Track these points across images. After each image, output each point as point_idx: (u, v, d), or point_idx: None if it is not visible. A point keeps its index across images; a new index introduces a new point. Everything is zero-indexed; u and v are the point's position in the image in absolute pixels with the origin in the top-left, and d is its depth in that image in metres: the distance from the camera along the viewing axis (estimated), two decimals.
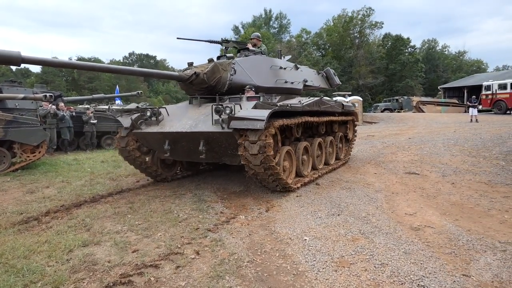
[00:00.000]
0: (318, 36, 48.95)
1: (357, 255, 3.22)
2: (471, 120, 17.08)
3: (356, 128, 9.21)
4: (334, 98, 10.28)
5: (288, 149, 5.68)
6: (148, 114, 5.81)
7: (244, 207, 4.88)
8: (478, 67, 64.10)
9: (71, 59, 59.80)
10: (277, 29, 56.95)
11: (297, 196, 5.29)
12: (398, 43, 48.12)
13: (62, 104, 11.58)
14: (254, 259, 3.20)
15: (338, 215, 4.38)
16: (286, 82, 6.71)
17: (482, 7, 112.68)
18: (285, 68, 6.89)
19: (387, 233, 3.73)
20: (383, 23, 45.31)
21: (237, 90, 6.05)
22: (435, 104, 32.73)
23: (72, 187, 6.38)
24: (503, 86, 21.59)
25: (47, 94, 9.15)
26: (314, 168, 6.64)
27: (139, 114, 5.91)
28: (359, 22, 44.85)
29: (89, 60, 63.83)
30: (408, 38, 49.18)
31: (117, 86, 25.15)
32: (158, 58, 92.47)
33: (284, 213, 4.54)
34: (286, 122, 5.23)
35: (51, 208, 4.94)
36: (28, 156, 8.12)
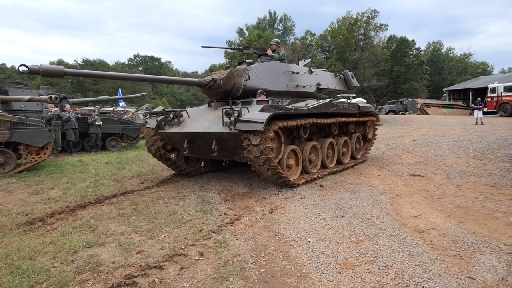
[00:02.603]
0: (322, 38, 48.95)
1: (361, 257, 3.21)
2: (476, 122, 16.97)
3: (376, 128, 9.40)
4: (339, 100, 10.28)
5: (293, 148, 6.06)
6: (171, 116, 6.49)
7: (248, 208, 4.88)
8: (483, 69, 63.72)
9: (75, 61, 60.02)
10: (281, 31, 57.03)
11: (301, 198, 5.28)
12: (403, 45, 48.03)
13: (68, 106, 11.66)
14: (258, 261, 3.20)
15: (342, 217, 4.37)
16: (297, 86, 7.14)
17: (488, 9, 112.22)
18: (297, 73, 7.26)
19: (392, 235, 3.71)
20: (387, 25, 45.26)
21: (251, 94, 6.53)
22: (440, 107, 32.51)
23: (77, 188, 6.41)
24: (508, 89, 21.45)
25: (53, 96, 9.24)
26: (324, 166, 6.98)
27: (163, 116, 6.55)
28: (364, 24, 44.82)
29: (94, 62, 64.36)
30: (413, 40, 49.12)
31: (120, 89, 25.23)
32: (162, 60, 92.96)
33: (288, 214, 4.54)
34: (289, 124, 5.60)
35: (56, 209, 4.97)
36: (33, 158, 8.18)
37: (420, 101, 32.17)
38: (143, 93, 15.63)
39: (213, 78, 6.37)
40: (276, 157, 5.53)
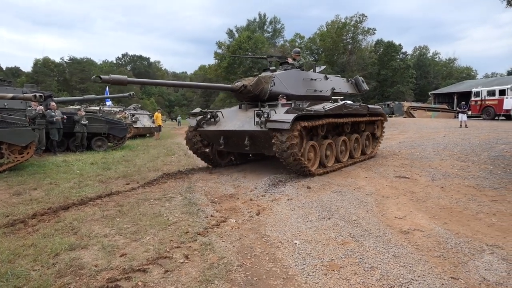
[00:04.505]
0: (311, 41, 49.29)
1: (347, 259, 3.22)
2: (461, 125, 17.28)
3: (384, 126, 10.40)
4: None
5: (312, 144, 7.04)
6: (209, 116, 7.56)
7: (234, 210, 4.85)
8: (467, 74, 65.16)
9: (62, 59, 59.00)
10: (271, 33, 57.20)
11: (288, 200, 5.28)
12: (390, 49, 48.73)
13: (54, 104, 11.41)
14: (243, 263, 3.18)
15: (329, 218, 4.38)
16: (315, 91, 8.17)
17: (472, 15, 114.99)
18: (315, 79, 8.33)
19: (377, 237, 3.74)
20: (375, 30, 45.89)
21: (276, 98, 7.41)
22: (425, 110, 33.06)
23: (60, 189, 6.28)
24: (491, 93, 21.94)
25: (37, 94, 9.02)
26: (338, 161, 7.91)
27: (202, 116, 7.63)
28: (352, 28, 45.31)
29: (81, 60, 63.43)
30: (399, 45, 49.88)
31: (107, 87, 24.87)
32: (151, 60, 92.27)
33: (275, 216, 4.53)
34: (310, 124, 6.57)
35: (38, 211, 4.84)
36: (16, 157, 7.98)
37: (406, 104, 32.66)
38: (131, 93, 15.39)
39: (243, 84, 7.36)
40: (299, 151, 6.43)
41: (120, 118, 16.72)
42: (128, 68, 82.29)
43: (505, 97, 20.64)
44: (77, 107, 16.13)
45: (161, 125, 19.98)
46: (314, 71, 8.98)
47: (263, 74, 7.83)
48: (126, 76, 5.91)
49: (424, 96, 49.92)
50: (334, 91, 8.84)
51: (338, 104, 7.66)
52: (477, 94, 22.77)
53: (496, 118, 21.44)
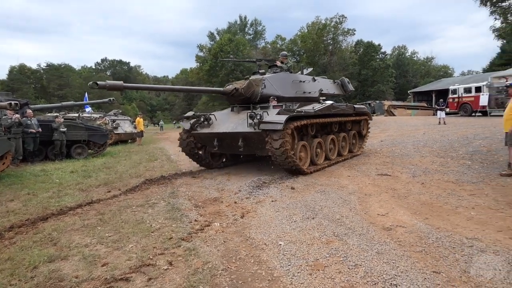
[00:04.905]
0: (292, 43, 49.56)
1: (331, 258, 3.23)
2: (439, 122, 17.70)
3: (369, 125, 10.78)
4: None
5: (303, 143, 7.34)
6: (202, 119, 7.79)
7: (218, 214, 4.81)
8: (445, 72, 66.92)
9: (39, 66, 57.59)
10: (252, 36, 57.31)
11: (272, 201, 5.28)
12: (369, 49, 49.56)
13: (30, 111, 11.08)
14: (228, 267, 3.15)
15: (313, 218, 4.40)
16: (304, 92, 8.45)
17: (448, 15, 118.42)
18: (304, 81, 8.61)
19: (361, 234, 3.77)
20: (355, 30, 46.47)
21: (266, 100, 7.67)
22: (405, 108, 33.75)
23: (39, 199, 6.09)
24: (468, 90, 22.56)
25: (13, 102, 8.72)
26: (327, 158, 8.24)
27: (195, 119, 7.88)
28: (332, 29, 45.78)
29: (59, 66, 61.95)
30: (379, 45, 50.79)
31: (86, 94, 24.37)
32: (132, 64, 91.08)
33: (260, 218, 4.52)
34: (301, 124, 6.86)
35: (15, 223, 4.68)
36: None
37: (387, 103, 33.25)
38: (111, 98, 15.10)
39: (235, 88, 7.63)
40: (291, 150, 6.66)
41: (100, 125, 16.39)
42: (108, 73, 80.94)
43: (481, 94, 21.24)
44: (55, 114, 15.72)
45: (143, 130, 19.69)
46: (302, 73, 9.30)
47: (253, 77, 8.02)
48: (122, 82, 6.05)
49: (404, 95, 50.96)
50: (322, 92, 9.11)
51: (327, 104, 7.96)
52: (454, 91, 23.38)
53: (473, 114, 22.04)
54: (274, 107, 7.29)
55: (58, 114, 15.15)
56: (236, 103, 8.12)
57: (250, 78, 7.93)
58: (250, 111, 6.94)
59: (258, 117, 6.50)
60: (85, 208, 5.42)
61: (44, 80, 59.58)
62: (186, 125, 7.94)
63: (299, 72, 9.35)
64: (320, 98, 9.30)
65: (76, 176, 8.37)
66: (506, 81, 19.90)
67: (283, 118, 6.29)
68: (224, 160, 9.35)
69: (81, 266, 3.27)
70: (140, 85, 7.76)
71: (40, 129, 10.92)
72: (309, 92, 8.63)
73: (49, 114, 17.38)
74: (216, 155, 8.91)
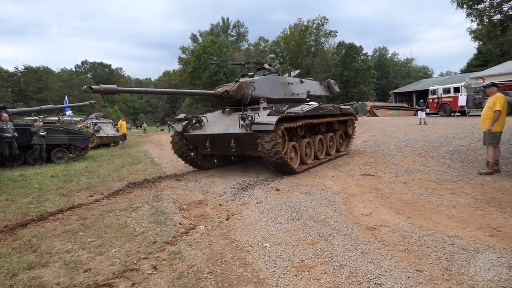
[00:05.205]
0: (275, 44, 49.83)
1: (317, 258, 3.25)
2: (420, 122, 18.09)
3: (355, 125, 11.12)
4: None
5: (293, 144, 7.54)
6: (194, 121, 7.93)
7: (203, 216, 4.78)
8: (424, 73, 68.59)
9: (16, 69, 56.06)
10: (235, 37, 57.32)
11: (257, 203, 5.27)
12: (351, 51, 50.29)
13: (6, 116, 10.74)
14: (214, 270, 3.12)
15: (298, 219, 4.41)
16: (293, 94, 8.71)
17: (426, 17, 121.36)
18: (292, 83, 8.88)
19: (345, 235, 3.80)
20: (337, 32, 47.15)
21: (256, 102, 7.81)
22: (387, 108, 34.40)
23: (18, 205, 5.90)
24: (447, 90, 23.15)
25: None
26: (316, 158, 8.48)
27: (187, 121, 8.00)
28: (315, 31, 46.29)
29: (38, 69, 60.47)
30: (360, 46, 51.62)
31: (66, 97, 23.81)
32: (113, 67, 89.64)
33: (245, 220, 4.50)
34: (291, 125, 7.08)
35: None
36: None
37: (369, 104, 33.83)
38: (92, 101, 14.76)
39: (226, 90, 7.72)
40: (282, 150, 6.84)
41: (81, 128, 16.05)
42: (89, 76, 79.44)
43: (459, 94, 21.83)
44: (34, 118, 15.29)
45: (126, 133, 19.38)
46: (290, 75, 9.55)
47: (243, 79, 8.20)
48: (115, 86, 6.05)
49: (386, 96, 51.91)
50: (310, 93, 9.41)
51: (315, 105, 8.26)
52: (434, 92, 23.95)
53: (452, 114, 22.62)
54: (264, 108, 7.45)
55: (37, 117, 14.73)
56: (227, 105, 8.25)
57: (240, 81, 8.08)
58: (241, 112, 7.09)
59: (250, 119, 6.65)
60: (66, 213, 5.29)
61: (22, 83, 58.05)
62: (178, 127, 8.05)
63: (287, 74, 9.60)
64: (305, 99, 9.42)
65: (56, 181, 8.16)
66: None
67: (274, 119, 6.48)
68: (215, 161, 9.46)
69: (62, 273, 3.19)
70: (134, 88, 8.15)
71: (16, 134, 10.59)
72: (297, 94, 8.90)
73: (27, 118, 16.92)
74: (207, 156, 9.06)
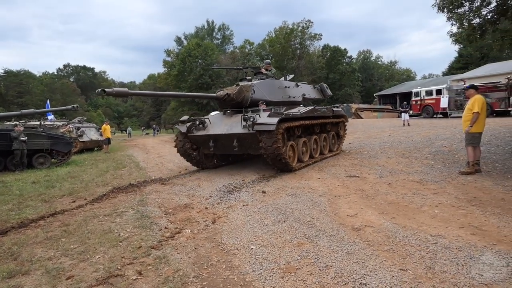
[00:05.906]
0: (261, 47, 49.95)
1: (303, 260, 3.26)
2: (404, 124, 18.38)
3: (346, 127, 11.64)
4: None
5: (291, 143, 8.04)
6: (197, 122, 8.41)
7: (189, 220, 4.74)
8: (408, 75, 69.87)
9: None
10: (220, 40, 57.22)
11: (243, 206, 5.27)
12: (336, 53, 50.79)
13: None
14: (200, 274, 3.10)
15: (284, 221, 4.42)
16: (289, 97, 9.33)
17: (409, 20, 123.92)
18: (288, 87, 9.49)
19: (331, 236, 3.83)
20: (321, 35, 47.53)
21: (256, 104, 8.27)
22: (371, 111, 34.88)
23: None
24: (429, 93, 23.61)
25: None
26: (311, 156, 8.98)
27: (191, 123, 8.47)
28: (300, 34, 46.61)
29: (18, 73, 59.12)
30: (345, 49, 52.18)
31: (48, 101, 23.32)
32: (96, 70, 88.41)
33: (231, 223, 4.49)
34: (290, 125, 7.61)
35: None
36: None
37: (354, 106, 34.20)
38: (75, 105, 14.44)
39: (227, 93, 8.25)
40: (282, 149, 7.24)
41: (64, 132, 15.71)
42: (72, 79, 78.04)
43: (441, 96, 22.29)
44: (15, 122, 14.91)
45: (110, 137, 19.08)
46: (285, 79, 10.15)
47: (242, 83, 8.67)
48: (127, 89, 6.37)
49: (370, 98, 52.62)
50: (305, 96, 10.02)
51: (310, 108, 8.83)
52: (417, 94, 24.39)
53: (435, 116, 23.08)
54: (264, 110, 7.91)
55: (17, 122, 14.38)
56: (228, 107, 8.75)
57: (240, 85, 8.54)
58: (243, 114, 7.55)
59: (252, 120, 7.13)
60: (48, 219, 5.17)
61: (2, 87, 56.59)
62: (182, 128, 8.48)
63: (282, 78, 10.12)
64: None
65: (38, 187, 7.96)
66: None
67: (275, 120, 6.97)
68: (215, 160, 9.82)
69: (44, 281, 3.11)
70: (144, 92, 9.12)
71: None
72: (294, 97, 9.50)
73: (8, 123, 16.46)
74: (209, 156, 9.44)
